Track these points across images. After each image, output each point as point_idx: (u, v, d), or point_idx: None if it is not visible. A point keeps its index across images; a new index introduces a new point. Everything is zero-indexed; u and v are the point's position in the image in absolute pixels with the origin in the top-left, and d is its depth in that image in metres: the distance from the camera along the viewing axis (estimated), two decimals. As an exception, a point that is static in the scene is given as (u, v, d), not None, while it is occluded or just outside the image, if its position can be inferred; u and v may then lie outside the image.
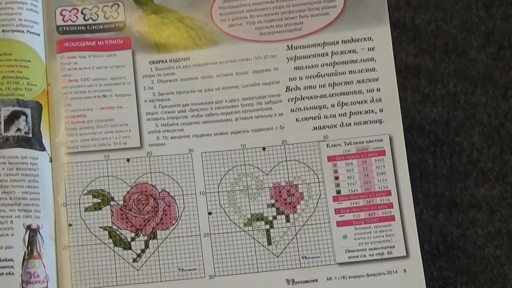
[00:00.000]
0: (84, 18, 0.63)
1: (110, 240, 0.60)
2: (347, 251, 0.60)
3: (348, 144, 0.62)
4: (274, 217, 0.61)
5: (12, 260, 0.57)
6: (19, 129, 0.60)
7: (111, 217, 0.60)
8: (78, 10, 0.63)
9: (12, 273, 0.57)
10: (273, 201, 0.61)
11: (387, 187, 0.61)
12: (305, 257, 0.60)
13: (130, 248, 0.60)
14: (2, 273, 0.57)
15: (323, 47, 0.64)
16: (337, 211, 0.61)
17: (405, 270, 0.60)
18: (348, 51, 0.63)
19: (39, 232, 0.58)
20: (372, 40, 0.63)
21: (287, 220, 0.61)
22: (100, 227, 0.60)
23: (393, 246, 0.60)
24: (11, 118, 0.60)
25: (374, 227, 0.61)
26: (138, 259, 0.60)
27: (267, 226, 0.61)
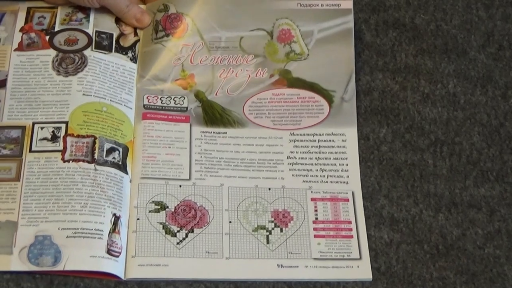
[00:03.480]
0: (161, 102, 0.98)
1: (163, 230, 0.90)
2: (319, 251, 0.90)
3: (325, 193, 0.94)
4: (272, 228, 0.91)
5: (102, 230, 0.87)
6: (114, 158, 0.92)
7: (165, 217, 0.91)
8: (158, 97, 0.99)
9: (102, 238, 0.87)
10: (272, 219, 0.92)
11: (348, 219, 0.92)
12: (291, 252, 0.89)
13: (175, 236, 0.90)
14: (95, 237, 0.87)
15: (313, 136, 0.97)
16: (315, 229, 0.91)
17: (358, 266, 0.89)
18: (329, 140, 0.97)
19: (119, 219, 0.89)
20: (345, 135, 0.97)
21: (281, 231, 0.91)
22: (157, 222, 0.90)
23: (351, 252, 0.89)
24: (110, 151, 0.92)
25: (339, 240, 0.90)
26: (180, 243, 0.89)
27: (267, 233, 0.91)
